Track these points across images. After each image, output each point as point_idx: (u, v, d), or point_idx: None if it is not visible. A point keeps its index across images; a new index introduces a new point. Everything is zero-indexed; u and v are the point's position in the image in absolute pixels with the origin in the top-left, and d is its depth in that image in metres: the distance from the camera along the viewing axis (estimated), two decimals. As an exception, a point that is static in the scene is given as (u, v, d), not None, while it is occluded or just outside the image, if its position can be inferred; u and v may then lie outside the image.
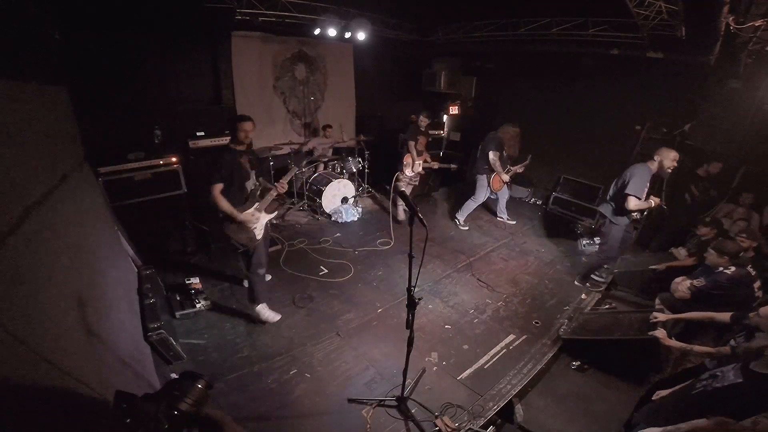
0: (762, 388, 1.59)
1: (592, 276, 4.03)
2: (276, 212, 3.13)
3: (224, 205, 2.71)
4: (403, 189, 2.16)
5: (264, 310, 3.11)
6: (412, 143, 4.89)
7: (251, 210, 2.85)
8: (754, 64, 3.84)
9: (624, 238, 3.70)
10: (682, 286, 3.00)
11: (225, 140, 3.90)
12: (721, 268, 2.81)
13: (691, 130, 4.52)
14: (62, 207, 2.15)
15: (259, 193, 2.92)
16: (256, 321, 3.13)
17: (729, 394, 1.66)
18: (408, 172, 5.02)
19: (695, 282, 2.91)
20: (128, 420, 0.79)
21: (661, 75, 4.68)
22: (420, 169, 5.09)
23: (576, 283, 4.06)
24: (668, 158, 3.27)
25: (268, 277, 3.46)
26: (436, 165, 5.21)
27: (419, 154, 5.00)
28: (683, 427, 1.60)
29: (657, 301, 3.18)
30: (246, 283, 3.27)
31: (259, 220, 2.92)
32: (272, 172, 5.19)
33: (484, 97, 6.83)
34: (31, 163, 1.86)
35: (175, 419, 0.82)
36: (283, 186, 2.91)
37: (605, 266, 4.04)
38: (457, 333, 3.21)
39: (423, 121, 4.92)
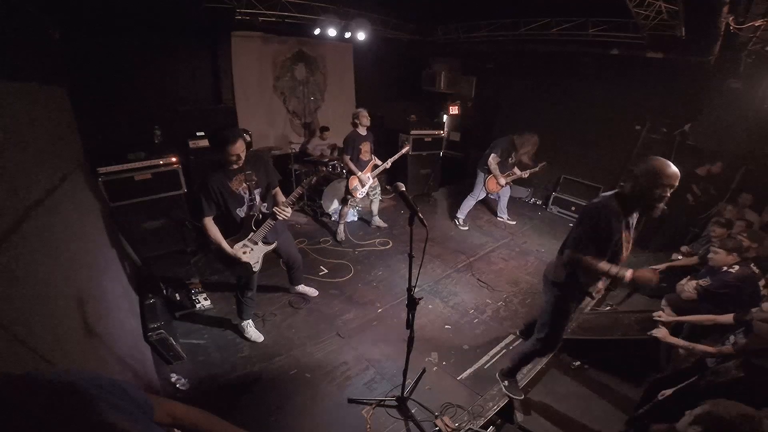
0: (765, 381, 1.65)
1: None
2: (275, 243, 2.73)
3: (212, 233, 2.40)
4: (402, 189, 2.08)
5: (248, 328, 2.98)
6: (347, 158, 4.14)
7: (241, 243, 2.52)
8: (754, 64, 3.84)
9: None
10: (688, 286, 2.96)
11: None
12: (725, 268, 2.78)
13: (691, 130, 4.52)
14: (62, 207, 2.15)
15: (253, 221, 2.53)
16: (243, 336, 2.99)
17: (733, 388, 1.71)
18: (359, 193, 4.38)
19: (701, 282, 2.88)
20: None
21: (661, 75, 4.68)
22: (372, 181, 4.44)
23: None
24: None
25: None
26: (388, 164, 4.40)
27: (364, 165, 4.27)
28: (698, 411, 1.57)
29: (663, 302, 3.16)
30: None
31: (253, 252, 2.58)
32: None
33: (484, 97, 6.83)
34: (31, 163, 1.87)
35: None
36: (284, 211, 2.48)
37: None
38: (457, 333, 3.21)
39: (362, 119, 4.10)
